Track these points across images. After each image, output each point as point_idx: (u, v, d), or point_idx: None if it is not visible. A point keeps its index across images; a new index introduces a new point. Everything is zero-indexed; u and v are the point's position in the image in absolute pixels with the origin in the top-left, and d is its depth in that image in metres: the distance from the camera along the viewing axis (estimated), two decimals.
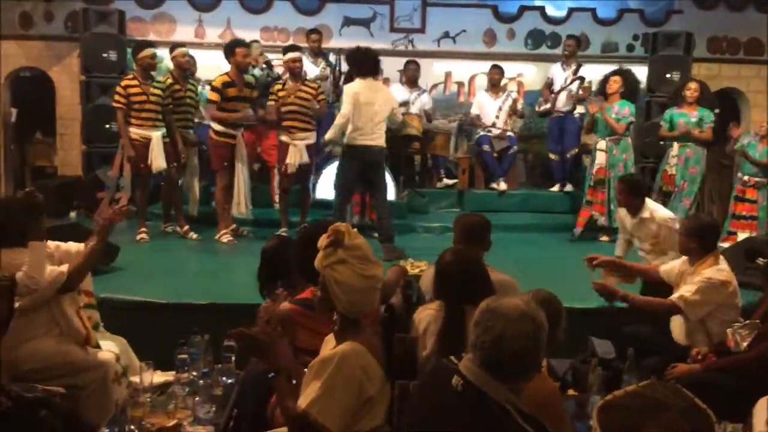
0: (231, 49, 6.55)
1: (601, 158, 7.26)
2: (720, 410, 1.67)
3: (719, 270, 3.87)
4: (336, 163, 6.76)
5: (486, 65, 8.74)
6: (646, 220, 4.75)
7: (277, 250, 3.72)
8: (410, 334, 3.12)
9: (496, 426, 2.06)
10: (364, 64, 6.25)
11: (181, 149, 6.79)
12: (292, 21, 8.97)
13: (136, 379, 3.22)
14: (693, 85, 7.36)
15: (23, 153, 9.55)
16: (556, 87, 8.31)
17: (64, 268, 3.45)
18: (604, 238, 7.23)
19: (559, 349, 3.22)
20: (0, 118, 8.88)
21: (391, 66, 8.78)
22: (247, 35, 8.63)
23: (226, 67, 6.68)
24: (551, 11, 9.29)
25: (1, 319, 2.90)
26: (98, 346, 3.62)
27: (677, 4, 9.23)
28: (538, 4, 9.33)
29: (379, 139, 6.24)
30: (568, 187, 8.32)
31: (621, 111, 7.18)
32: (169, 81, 6.82)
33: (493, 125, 8.28)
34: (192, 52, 7.36)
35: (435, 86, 9.23)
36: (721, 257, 4.01)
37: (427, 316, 3.08)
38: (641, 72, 8.82)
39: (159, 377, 3.24)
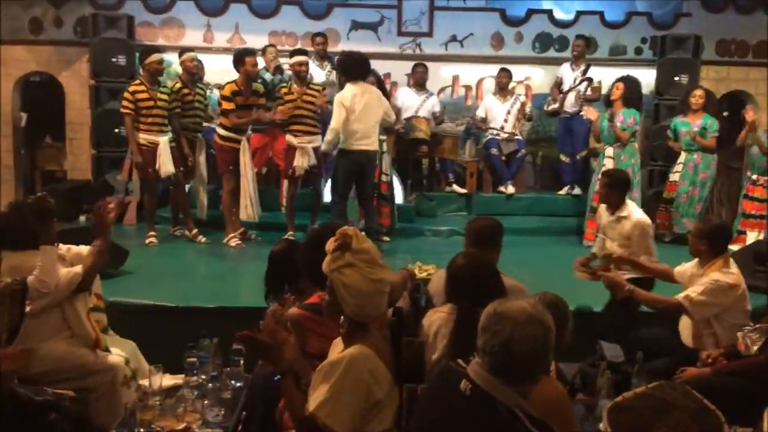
0: (241, 58, 6.57)
1: (609, 165, 7.25)
2: (730, 414, 1.66)
3: (727, 273, 3.87)
4: None
5: (494, 69, 8.73)
6: (622, 219, 4.65)
7: (285, 254, 3.72)
8: (418, 338, 3.12)
9: (504, 430, 2.06)
10: (354, 68, 6.33)
11: (187, 153, 6.83)
12: (300, 25, 8.99)
13: (145, 382, 3.24)
14: (698, 92, 7.37)
15: (33, 157, 9.61)
16: (565, 87, 8.32)
17: (79, 268, 3.48)
18: None
19: (568, 353, 3.21)
20: (10, 123, 8.93)
21: (399, 69, 8.81)
22: (256, 40, 8.69)
23: (234, 71, 6.69)
24: (559, 14, 9.27)
25: (13, 323, 2.92)
26: (108, 350, 3.64)
27: (685, 7, 9.20)
28: (545, 7, 9.32)
29: (374, 143, 6.36)
30: (577, 190, 8.30)
31: (627, 120, 7.18)
32: (178, 85, 6.85)
33: (501, 128, 8.27)
34: (200, 56, 7.39)
35: (443, 90, 9.22)
36: (732, 261, 4.01)
37: (438, 318, 3.08)
38: (649, 75, 8.83)
39: (168, 380, 3.25)
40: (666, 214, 7.46)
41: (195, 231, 6.99)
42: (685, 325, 4.09)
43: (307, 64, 6.87)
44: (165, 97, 6.67)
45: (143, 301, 4.90)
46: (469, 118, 8.99)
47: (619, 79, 7.43)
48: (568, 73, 8.35)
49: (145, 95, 6.55)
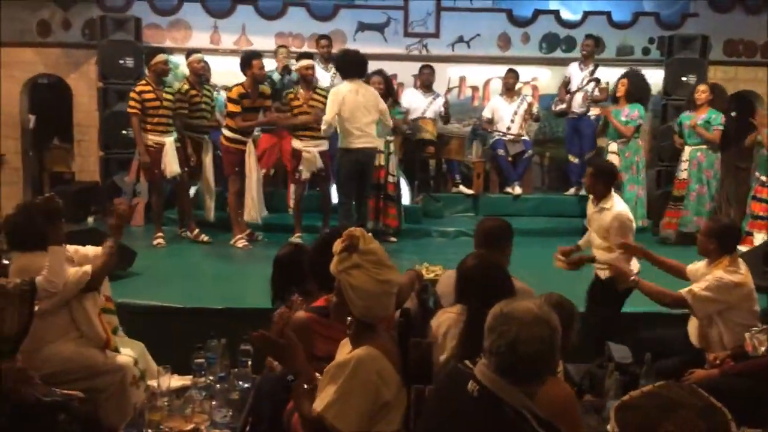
0: (248, 61, 6.59)
1: (614, 161, 7.24)
2: (738, 415, 1.66)
3: (733, 271, 3.86)
4: None
5: (500, 69, 8.73)
6: (604, 210, 4.61)
7: (290, 258, 3.74)
8: (426, 339, 3.12)
9: (512, 431, 2.06)
10: (350, 66, 6.38)
11: (190, 153, 6.87)
12: (307, 27, 9.00)
13: (153, 383, 3.24)
14: (701, 87, 7.39)
15: (41, 159, 9.65)
16: (573, 87, 8.31)
17: (88, 267, 3.50)
18: None
19: (576, 354, 3.21)
20: (18, 125, 8.96)
21: (406, 71, 8.79)
22: (262, 41, 8.72)
23: (241, 72, 6.70)
24: (566, 15, 9.26)
25: (22, 324, 2.93)
26: (117, 350, 3.65)
27: (693, 7, 9.18)
28: (552, 7, 9.30)
29: (372, 141, 6.41)
30: (584, 191, 8.29)
31: (630, 113, 7.19)
32: (186, 87, 6.89)
33: (508, 129, 8.27)
34: (207, 58, 7.42)
35: (449, 90, 9.22)
36: (741, 261, 4.00)
37: (447, 319, 3.08)
38: (657, 75, 8.80)
39: (176, 381, 3.26)
40: (676, 211, 7.45)
41: (197, 231, 7.01)
42: (693, 326, 4.09)
43: (313, 67, 6.90)
44: (170, 97, 6.71)
45: (151, 302, 4.92)
46: (475, 119, 8.99)
47: (623, 75, 7.44)
48: (576, 73, 8.34)
49: (151, 95, 6.58)
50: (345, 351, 2.61)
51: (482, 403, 2.08)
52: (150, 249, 6.57)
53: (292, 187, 7.30)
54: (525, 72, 8.91)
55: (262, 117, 6.81)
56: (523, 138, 8.32)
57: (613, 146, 7.30)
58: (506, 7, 9.21)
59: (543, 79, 9.33)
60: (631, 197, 7.28)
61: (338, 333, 2.73)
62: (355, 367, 2.41)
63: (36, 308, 3.12)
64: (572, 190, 8.45)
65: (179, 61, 8.04)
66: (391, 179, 7.11)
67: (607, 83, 8.22)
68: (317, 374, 2.57)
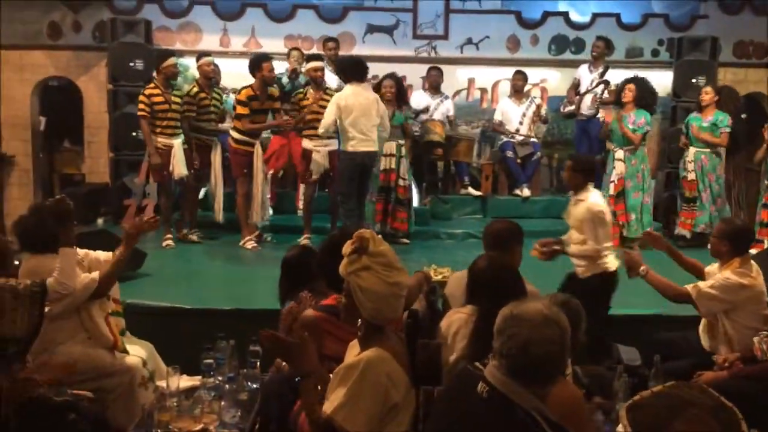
0: (258, 63, 6.59)
1: (620, 168, 7.25)
2: (747, 418, 1.66)
3: (743, 273, 3.85)
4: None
5: (509, 71, 8.71)
6: (579, 203, 4.63)
7: (299, 260, 3.75)
8: (435, 340, 3.13)
9: None
10: (351, 69, 6.47)
11: (195, 156, 6.92)
12: (316, 29, 9.01)
13: (162, 383, 3.26)
14: (706, 89, 7.41)
15: (52, 161, 9.70)
16: (582, 89, 8.29)
17: (96, 275, 3.51)
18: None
19: (584, 357, 3.21)
20: (29, 127, 9.01)
21: (414, 73, 8.79)
22: (271, 44, 8.74)
23: (250, 75, 6.71)
24: (575, 17, 9.24)
25: (32, 325, 2.95)
26: (126, 351, 3.67)
27: (702, 9, 9.14)
28: (561, 9, 9.29)
29: (373, 144, 6.46)
30: None
31: (637, 120, 7.16)
32: (195, 89, 6.92)
33: (517, 131, 8.26)
34: (217, 60, 7.44)
35: (458, 92, 9.21)
36: (753, 263, 3.99)
37: (458, 319, 3.09)
38: (666, 77, 8.77)
39: (185, 382, 3.27)
40: (690, 212, 7.43)
41: (184, 232, 7.06)
42: (703, 328, 4.08)
43: (322, 69, 6.92)
44: (178, 100, 6.76)
45: (160, 303, 4.93)
46: (484, 121, 8.98)
47: (629, 81, 7.40)
48: (585, 75, 8.32)
49: (160, 98, 6.62)
50: (354, 352, 2.62)
51: (492, 405, 2.08)
52: (159, 250, 6.59)
53: (301, 189, 7.31)
54: (534, 74, 8.90)
55: (270, 119, 6.83)
56: (531, 140, 8.30)
57: (620, 153, 7.27)
58: (515, 9, 9.20)
59: (552, 80, 9.31)
60: (636, 204, 7.27)
61: (347, 333, 2.74)
62: (364, 370, 2.41)
63: (47, 310, 3.14)
64: None
65: (189, 64, 8.07)
66: (401, 183, 7.11)
67: (616, 85, 8.19)
68: (328, 374, 2.58)
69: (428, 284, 3.80)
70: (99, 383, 3.45)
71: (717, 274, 3.94)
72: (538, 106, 8.32)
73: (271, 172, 7.34)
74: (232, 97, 7.51)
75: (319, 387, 2.56)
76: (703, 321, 4.07)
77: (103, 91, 8.70)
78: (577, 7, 9.31)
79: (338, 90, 7.22)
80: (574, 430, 2.15)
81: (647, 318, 4.95)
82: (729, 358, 3.75)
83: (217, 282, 5.96)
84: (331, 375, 2.58)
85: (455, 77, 9.17)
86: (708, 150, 7.34)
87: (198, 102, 6.88)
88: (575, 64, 8.70)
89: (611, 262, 4.55)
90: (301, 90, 7.00)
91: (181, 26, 9.00)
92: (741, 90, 8.99)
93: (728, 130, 7.23)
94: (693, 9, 9.17)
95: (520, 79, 8.40)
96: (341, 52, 8.16)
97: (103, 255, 3.75)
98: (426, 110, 8.09)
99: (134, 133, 7.78)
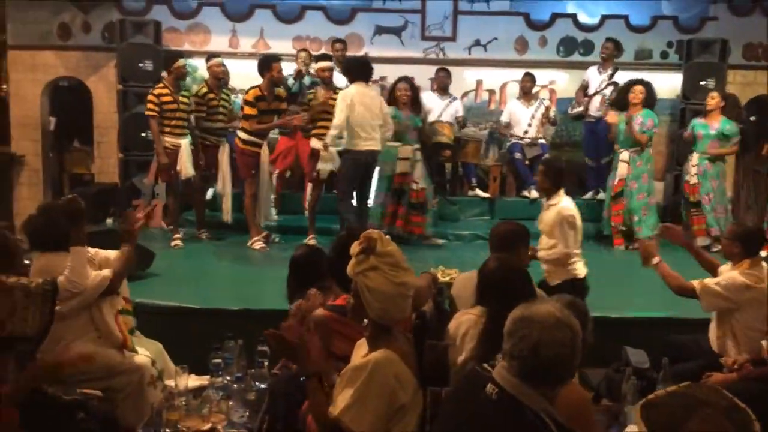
0: (267, 63, 6.60)
1: (622, 169, 7.26)
2: (758, 421, 1.66)
3: (751, 274, 3.85)
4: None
5: (518, 73, 8.71)
6: (551, 208, 4.67)
7: (306, 259, 3.77)
8: (442, 341, 3.13)
9: None
10: (357, 69, 6.53)
11: (200, 156, 6.97)
12: (325, 30, 9.02)
13: (171, 383, 3.27)
14: (712, 94, 7.39)
15: (61, 161, 9.75)
16: (591, 90, 8.28)
17: (107, 272, 3.53)
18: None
19: (592, 359, 3.20)
20: (39, 127, 9.06)
21: (423, 74, 8.79)
22: (280, 45, 8.75)
23: (259, 75, 6.72)
24: (583, 18, 9.21)
25: (44, 323, 2.96)
26: (135, 350, 3.69)
27: (712, 11, 9.10)
28: (570, 11, 9.27)
29: (377, 144, 6.51)
30: (601, 195, 8.25)
31: (645, 122, 7.15)
32: (204, 90, 6.95)
33: (525, 133, 8.25)
34: (226, 61, 7.46)
35: (466, 94, 9.21)
36: (765, 264, 3.98)
37: (467, 320, 3.09)
38: (675, 79, 8.75)
39: (194, 381, 3.29)
40: (699, 217, 7.40)
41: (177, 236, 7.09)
42: (713, 330, 4.07)
43: (330, 69, 6.94)
44: (186, 100, 6.81)
45: (169, 303, 4.96)
46: (492, 123, 8.98)
47: (636, 82, 7.39)
48: (594, 76, 8.31)
49: (169, 98, 6.66)
50: (361, 352, 2.63)
51: (501, 406, 2.07)
52: (168, 250, 6.62)
53: (309, 189, 7.33)
54: (542, 75, 8.89)
55: (277, 120, 6.85)
56: (540, 141, 8.29)
57: (625, 155, 7.27)
58: (523, 11, 9.18)
59: (560, 82, 9.29)
60: (640, 206, 7.26)
61: (356, 332, 2.75)
62: (372, 371, 2.42)
63: (57, 307, 3.15)
64: (589, 194, 8.41)
65: (198, 65, 8.10)
66: (415, 186, 7.10)
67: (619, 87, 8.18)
68: (335, 373, 2.59)
69: (435, 285, 3.80)
70: (108, 382, 3.46)
71: (726, 273, 3.96)
72: (547, 108, 8.30)
73: (276, 171, 7.37)
74: (240, 98, 7.54)
75: (325, 387, 2.57)
76: (713, 323, 4.06)
77: (113, 91, 8.74)
78: (585, 9, 9.29)
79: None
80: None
81: (656, 321, 4.94)
82: (738, 360, 3.74)
83: (225, 282, 5.98)
84: (337, 375, 2.59)
85: (463, 79, 9.16)
86: (709, 156, 7.34)
87: (207, 102, 6.92)
88: (584, 66, 8.69)
89: (580, 268, 4.59)
90: (312, 91, 7.03)
91: (190, 27, 9.03)
92: (750, 92, 8.94)
93: (738, 137, 7.23)
94: (702, 11, 9.13)
95: (528, 80, 8.40)
96: (349, 53, 8.18)
97: (112, 254, 3.76)
98: (429, 111, 8.09)
99: (143, 134, 7.81)
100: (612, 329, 4.39)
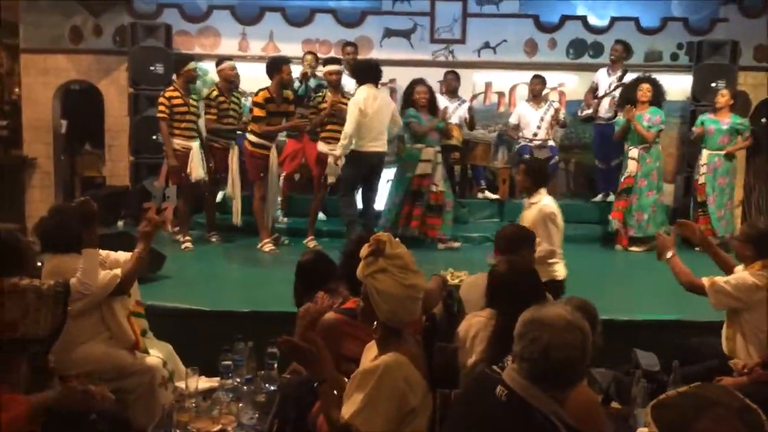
0: (277, 65, 6.62)
1: (632, 167, 7.25)
2: None
3: (760, 275, 3.82)
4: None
5: (527, 75, 8.70)
6: (532, 206, 4.69)
7: (313, 264, 3.78)
8: (452, 344, 3.14)
9: None
10: (366, 72, 6.57)
11: (209, 158, 7.01)
12: (334, 33, 9.05)
13: (181, 384, 3.28)
14: (723, 92, 7.38)
15: (73, 164, 9.81)
16: (600, 92, 8.26)
17: (117, 271, 3.56)
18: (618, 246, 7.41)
19: (603, 361, 3.20)
20: (51, 130, 9.12)
21: (432, 77, 8.77)
22: (290, 48, 8.77)
23: (268, 77, 6.73)
24: (593, 20, 9.20)
25: (56, 324, 2.99)
26: (146, 352, 3.71)
27: (722, 12, 9.06)
28: (579, 13, 9.26)
29: (383, 146, 6.57)
30: (611, 197, 8.23)
31: (653, 119, 7.16)
32: (215, 93, 6.99)
33: (535, 135, 8.24)
34: (236, 64, 7.49)
35: (475, 96, 9.20)
36: None
37: (477, 323, 3.10)
38: (685, 81, 8.72)
39: (204, 383, 3.29)
40: (705, 217, 7.37)
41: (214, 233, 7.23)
42: (725, 332, 4.05)
43: (338, 72, 6.94)
44: (195, 103, 6.85)
45: (180, 305, 4.98)
46: (501, 125, 8.97)
47: (642, 80, 7.38)
48: (604, 79, 8.30)
49: (179, 101, 6.69)
50: (371, 355, 2.63)
51: (511, 408, 2.08)
52: (179, 253, 6.65)
53: None
54: (552, 78, 8.87)
55: (285, 122, 6.87)
56: (549, 144, 8.28)
57: (634, 152, 7.26)
58: (533, 13, 9.18)
59: (570, 84, 9.28)
60: (649, 203, 7.24)
61: (367, 335, 2.75)
62: (382, 374, 2.42)
63: (69, 308, 3.18)
64: (599, 197, 8.40)
65: (208, 68, 8.13)
66: (435, 189, 7.07)
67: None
68: (344, 378, 2.59)
69: (445, 288, 3.81)
70: (120, 383, 3.48)
71: (737, 273, 3.95)
72: (557, 110, 8.29)
73: (283, 174, 7.39)
74: (249, 100, 7.57)
75: (335, 392, 2.57)
76: (725, 326, 4.04)
77: (124, 94, 8.79)
78: (595, 11, 9.27)
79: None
80: None
81: (667, 323, 4.92)
82: (749, 363, 3.73)
83: (235, 284, 6.00)
84: (347, 379, 2.59)
85: (472, 81, 9.16)
86: (722, 153, 7.30)
87: (217, 105, 6.95)
88: (593, 68, 8.68)
89: (560, 270, 4.60)
90: (321, 93, 7.05)
91: (201, 30, 9.07)
92: (761, 94, 8.89)
93: (749, 131, 7.21)
94: (712, 12, 9.10)
95: (538, 83, 8.39)
96: (359, 56, 8.19)
97: (123, 256, 3.79)
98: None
99: (154, 137, 7.86)
100: (621, 332, 4.37)
